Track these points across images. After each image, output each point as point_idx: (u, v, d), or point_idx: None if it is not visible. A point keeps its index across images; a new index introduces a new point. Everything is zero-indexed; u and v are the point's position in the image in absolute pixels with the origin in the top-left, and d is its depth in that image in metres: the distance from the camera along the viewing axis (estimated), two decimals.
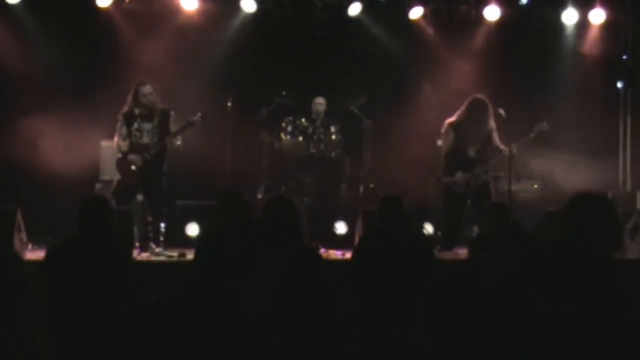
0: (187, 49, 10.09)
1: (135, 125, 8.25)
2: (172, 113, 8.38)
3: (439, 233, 8.89)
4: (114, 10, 9.85)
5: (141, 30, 9.96)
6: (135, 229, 8.23)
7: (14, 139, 9.39)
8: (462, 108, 8.51)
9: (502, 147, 8.52)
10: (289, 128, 10.03)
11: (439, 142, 8.94)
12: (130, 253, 6.66)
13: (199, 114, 8.29)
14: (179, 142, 8.31)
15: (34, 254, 7.43)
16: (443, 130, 8.57)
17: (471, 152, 8.49)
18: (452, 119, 8.53)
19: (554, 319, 3.01)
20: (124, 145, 8.27)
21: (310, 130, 10.02)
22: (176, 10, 10.00)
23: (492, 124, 8.54)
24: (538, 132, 8.58)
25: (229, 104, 9.72)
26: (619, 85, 11.03)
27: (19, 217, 7.91)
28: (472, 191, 8.48)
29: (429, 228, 8.99)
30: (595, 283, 3.31)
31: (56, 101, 9.48)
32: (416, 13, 10.23)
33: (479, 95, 8.53)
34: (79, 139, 9.05)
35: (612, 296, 3.28)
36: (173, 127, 8.32)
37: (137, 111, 8.26)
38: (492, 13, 10.19)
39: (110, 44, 9.88)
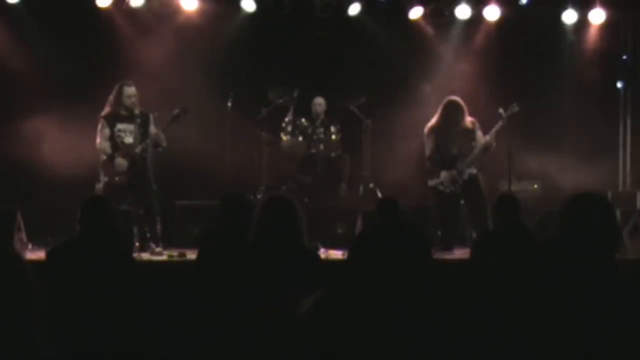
0: (187, 49, 10.08)
1: (118, 127, 8.24)
2: (151, 116, 8.36)
3: (439, 233, 8.90)
4: (114, 10, 9.84)
5: (141, 30, 9.95)
6: (135, 229, 8.23)
7: (14, 139, 9.39)
8: (438, 111, 8.77)
9: (482, 140, 8.63)
10: (289, 128, 10.02)
11: None
12: (131, 253, 6.64)
13: (181, 107, 8.28)
14: (161, 145, 8.30)
15: (34, 254, 7.43)
16: (425, 134, 8.77)
17: (453, 149, 8.63)
18: (432, 122, 8.75)
19: (554, 319, 3.01)
20: (107, 147, 8.25)
21: (310, 130, 10.01)
22: (176, 10, 10.00)
23: (470, 121, 8.72)
24: (509, 114, 8.67)
25: (229, 104, 9.72)
26: (619, 85, 11.03)
27: (19, 217, 7.91)
28: (460, 188, 8.58)
29: (428, 229, 8.99)
30: (593, 283, 3.31)
31: (56, 101, 9.48)
32: (416, 13, 10.23)
33: (452, 98, 8.76)
34: (79, 139, 9.04)
35: (611, 295, 3.28)
36: (153, 129, 8.31)
37: (119, 112, 8.24)
38: (492, 13, 10.19)
39: (110, 44, 9.87)
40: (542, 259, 3.45)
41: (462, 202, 8.81)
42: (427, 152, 8.73)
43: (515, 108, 8.73)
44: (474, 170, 8.66)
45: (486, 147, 8.69)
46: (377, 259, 5.48)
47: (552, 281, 3.29)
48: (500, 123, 8.69)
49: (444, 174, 8.59)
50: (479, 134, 8.71)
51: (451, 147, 8.64)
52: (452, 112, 8.65)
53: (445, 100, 8.77)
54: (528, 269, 3.32)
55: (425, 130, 8.76)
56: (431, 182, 8.70)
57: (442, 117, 8.69)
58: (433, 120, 8.75)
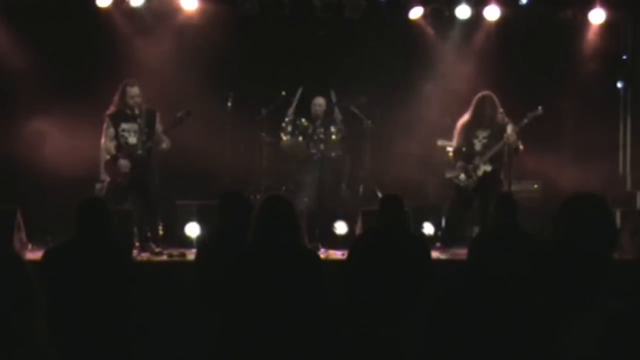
0: (187, 49, 10.08)
1: (123, 126, 8.24)
2: (157, 113, 8.36)
3: (439, 233, 8.89)
4: (114, 10, 9.84)
5: (141, 30, 9.95)
6: (135, 229, 8.23)
7: (14, 139, 9.39)
8: (471, 106, 8.68)
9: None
10: (289, 128, 10.02)
11: (439, 142, 8.97)
12: (131, 254, 6.64)
13: (185, 110, 8.27)
14: (167, 141, 8.30)
15: (34, 254, 7.43)
16: (457, 129, 8.73)
17: (477, 146, 8.60)
18: (464, 118, 8.70)
19: (550, 317, 3.02)
20: (112, 147, 8.25)
21: (310, 130, 10.00)
22: (176, 10, 10.00)
23: (502, 117, 8.63)
24: (532, 117, 8.62)
25: (229, 104, 9.72)
26: (619, 85, 11.03)
27: (19, 217, 7.91)
28: (474, 184, 8.53)
29: (429, 229, 8.98)
30: (589, 282, 3.31)
31: (56, 101, 9.47)
32: (416, 13, 10.23)
33: (485, 92, 8.70)
34: (79, 138, 9.05)
35: (609, 296, 3.29)
36: (159, 127, 8.32)
37: (123, 112, 8.24)
38: (492, 13, 10.19)
39: (110, 44, 9.87)
40: (539, 259, 3.45)
41: (476, 200, 8.77)
42: (454, 146, 8.70)
43: (539, 112, 8.65)
44: (488, 168, 8.60)
45: (510, 147, 8.58)
46: (376, 260, 5.48)
47: (549, 282, 3.29)
48: (522, 123, 8.62)
49: (459, 164, 8.58)
50: (509, 128, 8.59)
51: (476, 144, 8.62)
52: (481, 107, 8.60)
53: (478, 95, 8.70)
54: (526, 270, 3.33)
55: (458, 125, 8.71)
56: (448, 174, 8.69)
57: (474, 112, 8.64)
58: (466, 117, 8.70)
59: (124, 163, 8.18)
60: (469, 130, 8.63)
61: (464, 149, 8.62)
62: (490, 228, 5.96)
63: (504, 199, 6.05)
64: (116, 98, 8.30)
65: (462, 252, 8.04)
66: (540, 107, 8.67)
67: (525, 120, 8.63)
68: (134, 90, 8.22)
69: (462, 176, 8.59)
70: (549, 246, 3.47)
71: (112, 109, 8.30)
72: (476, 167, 8.58)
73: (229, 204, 5.49)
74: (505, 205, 5.83)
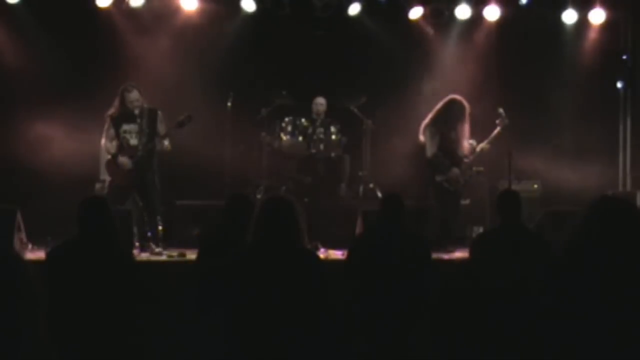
0: (187, 49, 10.08)
1: (124, 127, 8.23)
2: (159, 113, 8.35)
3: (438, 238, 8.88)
4: (114, 10, 9.85)
5: (141, 30, 9.95)
6: (135, 229, 8.23)
7: (14, 138, 9.40)
8: (440, 108, 8.57)
9: (474, 145, 8.68)
10: (289, 128, 10.03)
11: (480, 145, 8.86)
12: (131, 253, 6.63)
13: (186, 115, 8.24)
14: (166, 144, 8.30)
15: (34, 254, 7.44)
16: (427, 130, 8.58)
17: (460, 151, 8.55)
18: (432, 118, 8.58)
19: (578, 320, 3.01)
20: (112, 147, 8.25)
21: (310, 130, 10.02)
22: (176, 10, 10.00)
23: (467, 124, 8.63)
24: (502, 126, 8.62)
25: (229, 104, 9.72)
26: (619, 85, 11.03)
27: (19, 217, 7.91)
28: (461, 188, 8.57)
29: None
30: (624, 284, 3.30)
31: (56, 101, 9.48)
32: (416, 13, 10.24)
33: (458, 97, 8.59)
34: (79, 138, 9.05)
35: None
36: (161, 127, 8.31)
37: (124, 113, 8.23)
38: (492, 13, 10.20)
39: (110, 44, 9.88)
40: (565, 262, 3.41)
41: (466, 200, 8.79)
42: (433, 148, 8.49)
43: (501, 114, 8.67)
44: (472, 172, 8.66)
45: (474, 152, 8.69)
46: (376, 259, 5.48)
47: (579, 285, 3.27)
48: (497, 130, 8.66)
49: (455, 171, 8.47)
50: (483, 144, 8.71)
51: (457, 147, 8.55)
52: (458, 111, 8.50)
53: (450, 98, 8.58)
54: (547, 272, 3.29)
55: (427, 126, 8.56)
56: (439, 178, 8.55)
57: (447, 114, 8.50)
58: (433, 115, 8.56)
59: (125, 160, 8.18)
60: (447, 132, 8.49)
61: (447, 152, 8.45)
62: (494, 227, 5.92)
63: (508, 197, 5.97)
64: (116, 102, 8.30)
65: (456, 252, 8.07)
66: (501, 110, 8.66)
67: (498, 130, 8.66)
68: (132, 95, 8.21)
69: (453, 180, 8.50)
70: (578, 249, 3.43)
71: (113, 110, 8.30)
72: (464, 172, 8.54)
73: (236, 204, 5.49)
74: (510, 203, 5.76)
